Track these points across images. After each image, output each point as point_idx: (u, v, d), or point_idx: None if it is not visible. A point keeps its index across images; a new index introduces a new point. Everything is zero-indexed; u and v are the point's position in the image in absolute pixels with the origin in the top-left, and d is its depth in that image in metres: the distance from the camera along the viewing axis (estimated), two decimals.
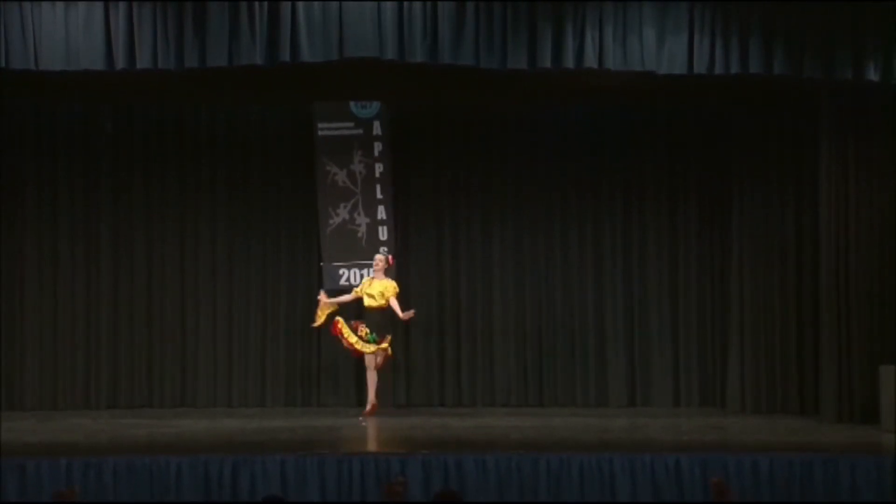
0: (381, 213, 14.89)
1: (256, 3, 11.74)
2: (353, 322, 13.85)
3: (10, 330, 14.77)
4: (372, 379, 13.81)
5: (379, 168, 14.91)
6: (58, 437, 12.56)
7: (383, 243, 14.81)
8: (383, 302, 13.78)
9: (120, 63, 11.83)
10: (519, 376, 15.03)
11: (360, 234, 14.91)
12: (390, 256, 14.19)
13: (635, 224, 15.10)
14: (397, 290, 13.89)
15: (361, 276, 14.64)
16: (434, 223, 15.19)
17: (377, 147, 14.91)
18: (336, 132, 14.91)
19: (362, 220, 14.91)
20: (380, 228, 14.88)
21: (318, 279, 14.97)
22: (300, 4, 11.74)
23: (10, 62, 11.83)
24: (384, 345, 13.79)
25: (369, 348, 13.73)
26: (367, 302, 13.85)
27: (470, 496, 10.36)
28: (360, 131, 14.91)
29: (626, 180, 15.11)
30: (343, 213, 14.89)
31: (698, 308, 14.98)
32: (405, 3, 11.79)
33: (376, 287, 13.85)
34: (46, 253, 14.90)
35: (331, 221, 14.90)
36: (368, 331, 13.73)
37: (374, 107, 14.87)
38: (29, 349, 14.82)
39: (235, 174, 15.12)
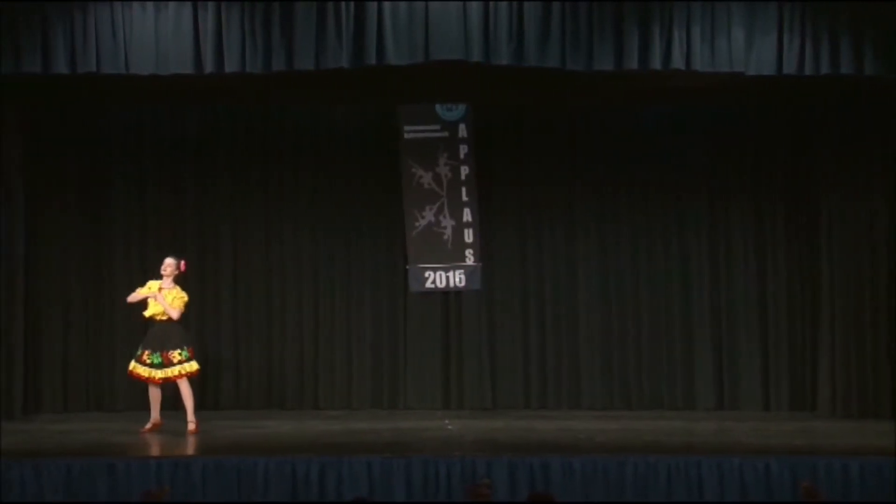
0: (467, 215, 14.89)
1: (343, 5, 11.75)
2: (162, 354, 12.84)
3: (98, 333, 14.91)
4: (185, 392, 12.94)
5: (464, 171, 14.91)
6: (147, 437, 12.70)
7: (469, 245, 14.82)
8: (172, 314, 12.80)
9: (208, 66, 11.85)
10: (605, 379, 14.94)
11: (445, 237, 14.92)
12: (182, 262, 13.14)
13: (721, 226, 14.92)
14: (185, 300, 12.92)
15: (447, 279, 14.67)
16: (518, 224, 15.11)
17: (463, 149, 14.92)
18: (422, 135, 14.94)
19: (448, 222, 14.92)
20: (465, 231, 14.89)
21: (403, 281, 15.02)
22: (386, 6, 11.73)
23: (102, 67, 11.89)
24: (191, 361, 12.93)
25: (190, 367, 12.89)
26: (154, 312, 12.88)
27: (556, 498, 10.31)
28: (446, 134, 14.93)
29: (712, 183, 14.96)
30: (429, 215, 14.91)
31: (787, 311, 14.76)
32: (491, 4, 11.75)
33: (167, 297, 12.82)
34: (134, 255, 14.95)
35: (416, 224, 14.92)
36: (180, 350, 12.83)
37: (460, 109, 14.87)
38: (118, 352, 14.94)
39: (320, 176, 15.14)
